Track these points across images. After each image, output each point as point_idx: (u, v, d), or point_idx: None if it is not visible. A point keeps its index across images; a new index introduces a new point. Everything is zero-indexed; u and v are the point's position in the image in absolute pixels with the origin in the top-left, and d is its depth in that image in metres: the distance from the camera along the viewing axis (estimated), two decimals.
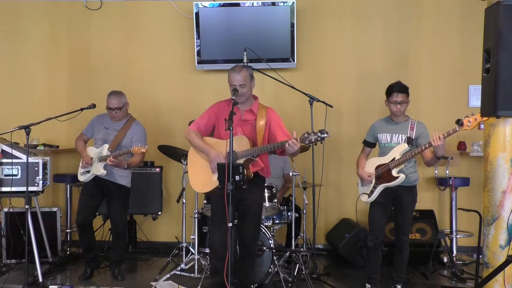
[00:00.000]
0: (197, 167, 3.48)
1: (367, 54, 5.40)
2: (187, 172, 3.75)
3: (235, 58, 4.66)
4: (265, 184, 4.26)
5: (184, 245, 4.61)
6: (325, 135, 3.07)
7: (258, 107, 3.48)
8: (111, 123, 4.42)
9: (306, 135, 3.12)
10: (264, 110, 3.48)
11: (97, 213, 4.63)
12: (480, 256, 3.95)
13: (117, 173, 4.35)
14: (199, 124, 3.51)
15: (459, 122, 3.38)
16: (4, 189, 4.28)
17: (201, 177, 3.46)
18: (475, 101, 5.19)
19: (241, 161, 3.24)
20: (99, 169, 4.29)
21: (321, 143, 3.16)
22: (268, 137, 3.46)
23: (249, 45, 4.67)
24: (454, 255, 4.95)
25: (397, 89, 3.78)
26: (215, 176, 3.31)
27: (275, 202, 4.29)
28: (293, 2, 5.17)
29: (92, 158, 4.39)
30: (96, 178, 4.35)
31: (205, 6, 5.25)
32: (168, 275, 4.31)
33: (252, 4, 5.25)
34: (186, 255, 4.56)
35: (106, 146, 4.31)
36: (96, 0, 5.52)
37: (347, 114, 5.39)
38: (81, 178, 4.45)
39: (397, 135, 3.83)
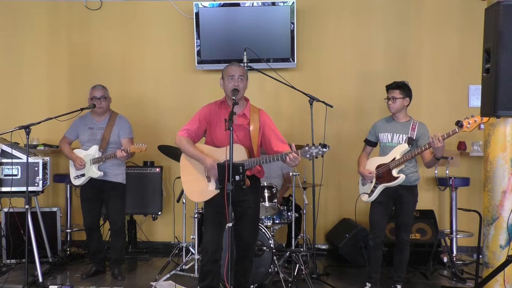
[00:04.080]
0: (191, 175, 3.38)
1: (367, 53, 5.40)
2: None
3: (235, 58, 4.65)
4: (265, 184, 4.29)
5: (184, 245, 4.62)
6: (326, 149, 3.02)
7: (250, 110, 3.37)
8: (94, 122, 4.41)
9: (307, 148, 3.05)
10: (256, 114, 3.36)
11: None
12: (480, 256, 3.95)
13: (111, 172, 4.36)
14: (189, 131, 3.35)
15: (458, 124, 3.38)
16: (4, 189, 4.29)
17: (196, 186, 3.37)
18: (475, 101, 5.19)
19: None
20: (94, 172, 4.29)
21: (322, 156, 3.13)
22: (261, 142, 3.38)
23: (249, 45, 4.68)
24: (454, 255, 4.95)
25: (390, 86, 3.91)
26: (212, 185, 3.28)
27: (275, 202, 4.29)
28: (293, 2, 5.17)
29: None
30: (91, 180, 4.35)
31: (205, 6, 5.25)
32: (168, 275, 4.31)
33: (252, 4, 5.25)
34: (186, 255, 4.56)
35: (96, 147, 4.31)
36: (96, 0, 5.52)
37: (347, 114, 5.38)
38: (76, 182, 4.43)
39: (398, 135, 3.84)
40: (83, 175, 4.36)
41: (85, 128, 4.41)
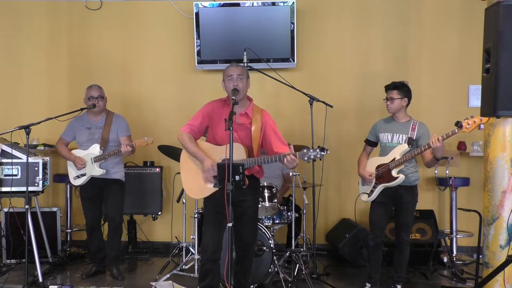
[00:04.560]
0: (191, 172, 3.39)
1: (367, 54, 5.40)
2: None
3: (235, 58, 4.66)
4: (265, 184, 4.29)
5: (184, 245, 4.62)
6: (324, 152, 3.02)
7: (253, 110, 3.37)
8: (91, 122, 4.42)
9: (305, 150, 3.05)
10: (259, 114, 3.36)
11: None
12: (480, 256, 3.95)
13: (111, 169, 4.37)
14: (192, 126, 3.37)
15: (458, 124, 3.38)
16: (4, 189, 4.29)
17: (195, 182, 3.37)
18: (475, 101, 5.19)
19: None
20: (97, 170, 4.29)
21: (320, 159, 3.13)
22: (262, 142, 3.38)
23: (249, 45, 4.68)
24: (454, 255, 4.95)
25: (388, 86, 3.92)
26: (209, 183, 3.28)
27: (275, 202, 4.29)
28: (293, 2, 5.16)
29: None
30: (91, 179, 4.35)
31: (205, 6, 5.25)
32: (168, 275, 4.31)
33: (252, 4, 5.25)
34: (186, 255, 4.57)
35: (97, 145, 4.31)
36: (96, 0, 5.52)
37: (347, 114, 5.38)
38: (77, 182, 4.42)
39: (398, 135, 3.84)
40: (83, 174, 4.36)
41: (82, 129, 4.41)
